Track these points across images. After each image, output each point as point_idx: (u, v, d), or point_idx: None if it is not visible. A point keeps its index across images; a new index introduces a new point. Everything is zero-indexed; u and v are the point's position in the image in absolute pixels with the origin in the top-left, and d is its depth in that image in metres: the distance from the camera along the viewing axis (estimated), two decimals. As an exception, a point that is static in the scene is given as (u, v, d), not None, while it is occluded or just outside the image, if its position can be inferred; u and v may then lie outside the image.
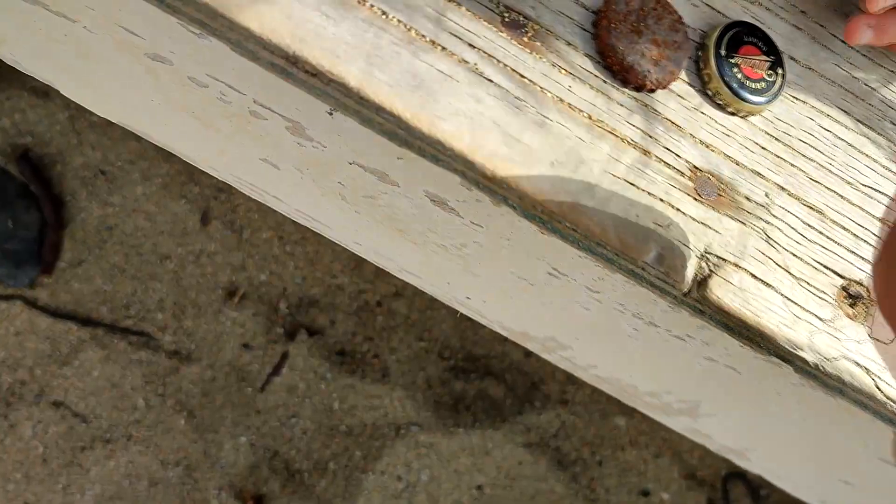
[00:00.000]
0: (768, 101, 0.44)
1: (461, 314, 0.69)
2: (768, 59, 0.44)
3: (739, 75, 0.43)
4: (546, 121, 0.40)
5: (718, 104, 0.44)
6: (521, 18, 0.40)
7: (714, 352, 0.52)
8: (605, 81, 0.41)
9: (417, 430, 1.29)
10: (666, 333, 0.52)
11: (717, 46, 0.43)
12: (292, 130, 0.47)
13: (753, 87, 0.44)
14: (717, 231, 0.43)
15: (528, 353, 1.27)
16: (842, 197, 0.46)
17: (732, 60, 0.43)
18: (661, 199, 0.42)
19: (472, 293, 0.60)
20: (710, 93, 0.44)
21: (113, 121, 0.57)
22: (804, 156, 0.46)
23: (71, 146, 1.35)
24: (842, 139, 0.47)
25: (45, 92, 1.24)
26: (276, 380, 1.28)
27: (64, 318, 1.30)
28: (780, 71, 0.44)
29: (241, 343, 1.29)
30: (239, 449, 1.28)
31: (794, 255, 0.44)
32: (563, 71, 0.40)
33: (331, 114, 0.43)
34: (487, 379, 1.29)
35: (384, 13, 0.37)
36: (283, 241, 1.32)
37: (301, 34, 0.35)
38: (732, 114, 0.44)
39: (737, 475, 1.27)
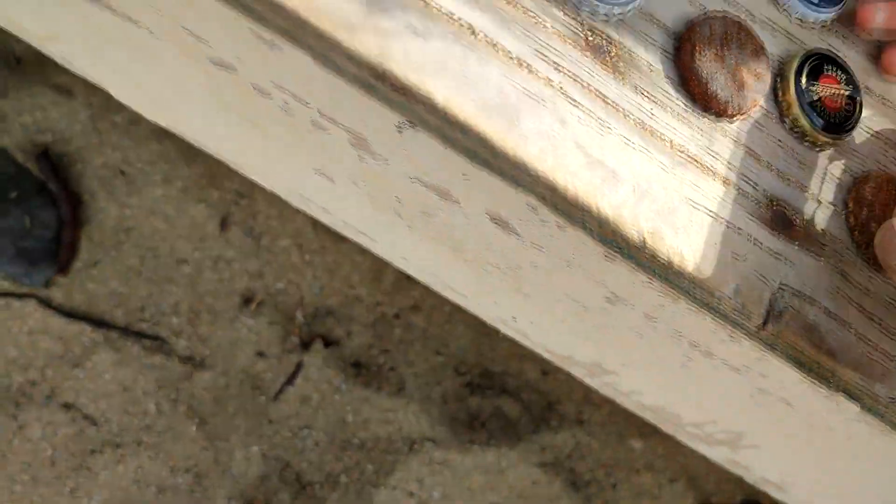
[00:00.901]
0: (847, 133, 0.43)
1: (503, 334, 0.68)
2: (847, 89, 0.43)
3: (819, 106, 0.42)
4: (629, 145, 0.39)
5: (797, 134, 0.43)
6: (605, 40, 0.39)
7: (769, 384, 0.51)
8: (686, 107, 0.41)
9: (431, 446, 1.28)
10: (721, 364, 0.51)
11: (798, 75, 0.42)
12: (355, 144, 0.46)
13: (832, 118, 0.43)
14: (793, 264, 0.42)
15: (546, 372, 1.26)
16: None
17: (812, 90, 0.43)
18: (740, 230, 0.41)
19: (519, 314, 0.59)
20: (788, 123, 0.43)
21: (163, 126, 0.56)
22: (878, 190, 0.45)
23: (91, 146, 1.34)
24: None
25: (67, 90, 1.23)
26: (289, 389, 1.27)
27: (78, 319, 1.28)
28: (858, 101, 0.44)
29: (256, 351, 1.28)
30: (250, 458, 1.26)
31: (867, 291, 0.43)
32: (646, 95, 0.40)
33: (399, 130, 0.42)
34: (503, 396, 1.28)
35: (472, 29, 0.36)
36: (302, 249, 1.31)
37: (389, 48, 0.35)
38: (810, 145, 0.43)
39: (752, 503, 1.26)
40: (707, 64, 0.40)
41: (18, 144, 1.28)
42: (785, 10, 0.44)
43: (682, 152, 0.40)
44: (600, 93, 0.39)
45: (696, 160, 0.40)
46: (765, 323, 0.41)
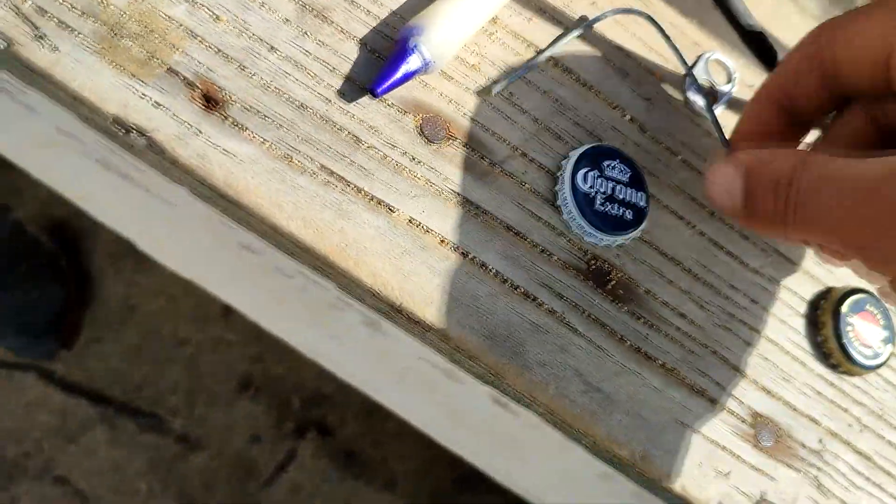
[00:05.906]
0: (874, 368, 0.47)
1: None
2: (885, 331, 0.47)
3: (856, 342, 0.46)
4: (624, 370, 0.42)
5: (832, 365, 0.46)
6: (606, 266, 0.42)
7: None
8: (679, 328, 0.44)
9: (418, 541, 1.29)
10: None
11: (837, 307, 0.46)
12: (367, 324, 0.49)
13: (866, 353, 0.46)
14: (772, 478, 0.44)
15: (534, 471, 1.28)
16: (889, 443, 0.48)
17: (850, 322, 0.46)
18: (724, 448, 0.43)
19: (511, 467, 0.62)
20: (825, 352, 0.46)
21: (191, 279, 0.59)
22: (857, 401, 0.48)
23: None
24: (892, 384, 0.49)
25: (85, 171, 1.27)
26: (281, 476, 1.28)
27: (77, 394, 1.30)
28: (891, 345, 0.47)
29: (251, 435, 1.30)
30: (237, 544, 1.27)
31: (843, 501, 0.46)
32: (642, 320, 0.43)
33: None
34: (492, 494, 1.29)
35: (483, 265, 0.39)
36: (302, 336, 1.33)
37: (408, 287, 0.38)
38: (843, 374, 0.47)
39: None
40: None
41: (32, 217, 1.31)
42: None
43: (674, 374, 0.43)
44: (599, 319, 0.42)
45: (685, 381, 0.43)
46: (745, 535, 0.43)
